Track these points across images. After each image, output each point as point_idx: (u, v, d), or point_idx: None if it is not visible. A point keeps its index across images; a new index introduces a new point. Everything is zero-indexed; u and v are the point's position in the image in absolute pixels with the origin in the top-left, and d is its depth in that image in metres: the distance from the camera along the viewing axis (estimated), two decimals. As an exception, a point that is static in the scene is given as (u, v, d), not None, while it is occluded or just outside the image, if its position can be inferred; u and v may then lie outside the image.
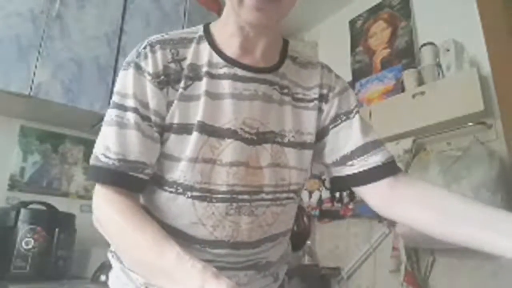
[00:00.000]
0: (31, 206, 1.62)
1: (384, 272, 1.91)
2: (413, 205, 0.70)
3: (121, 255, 0.68)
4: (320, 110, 0.76)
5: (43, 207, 1.70)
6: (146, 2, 2.07)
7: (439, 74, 1.87)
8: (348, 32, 2.55)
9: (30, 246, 1.50)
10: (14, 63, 1.59)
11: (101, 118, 1.86)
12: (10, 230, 1.50)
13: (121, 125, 0.64)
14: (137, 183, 0.65)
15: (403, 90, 2.00)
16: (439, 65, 1.88)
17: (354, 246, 2.11)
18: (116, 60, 1.90)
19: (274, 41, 0.74)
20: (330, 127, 0.76)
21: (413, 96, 1.87)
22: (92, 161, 0.65)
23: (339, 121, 0.76)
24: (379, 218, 1.99)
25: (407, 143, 1.85)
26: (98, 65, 1.83)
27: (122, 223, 0.60)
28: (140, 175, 0.65)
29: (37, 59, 1.65)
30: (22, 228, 1.51)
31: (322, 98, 0.76)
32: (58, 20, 1.74)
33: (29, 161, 1.91)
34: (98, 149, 0.65)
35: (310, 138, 0.74)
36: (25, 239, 1.49)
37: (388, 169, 0.73)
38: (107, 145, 0.64)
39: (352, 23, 2.55)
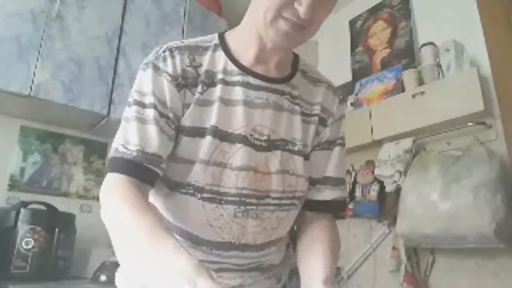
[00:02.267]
0: (31, 206, 1.61)
1: (384, 272, 1.91)
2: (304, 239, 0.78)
3: (118, 244, 0.62)
4: (317, 131, 0.79)
5: (43, 207, 1.70)
6: (146, 2, 2.06)
7: (439, 74, 1.87)
8: (348, 32, 2.55)
9: (30, 246, 1.50)
10: (14, 63, 1.59)
11: (101, 118, 1.87)
12: (10, 230, 1.50)
13: (141, 120, 0.66)
14: (151, 175, 0.66)
15: (403, 90, 2.00)
16: (439, 65, 1.87)
17: (354, 246, 2.11)
18: (116, 60, 1.90)
19: (287, 54, 0.77)
20: (316, 148, 0.80)
21: (413, 96, 1.87)
22: (111, 153, 0.67)
23: (324, 146, 0.80)
24: (379, 218, 1.99)
25: (407, 143, 1.85)
26: (98, 65, 1.83)
27: (127, 210, 0.59)
28: (156, 169, 0.66)
29: (37, 59, 1.65)
30: (22, 228, 1.50)
31: (322, 120, 0.79)
32: (58, 20, 1.74)
33: (29, 161, 1.91)
34: (117, 142, 0.66)
35: (308, 150, 0.78)
36: (25, 239, 1.49)
37: (329, 208, 0.80)
38: (127, 139, 0.65)
39: (352, 23, 2.55)
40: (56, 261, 1.56)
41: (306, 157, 0.76)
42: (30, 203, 1.63)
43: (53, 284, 1.49)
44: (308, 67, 0.82)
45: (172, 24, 2.13)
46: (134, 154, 0.64)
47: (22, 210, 1.54)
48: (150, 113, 0.66)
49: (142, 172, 0.64)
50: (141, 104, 0.67)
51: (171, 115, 0.67)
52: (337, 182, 0.81)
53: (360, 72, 2.37)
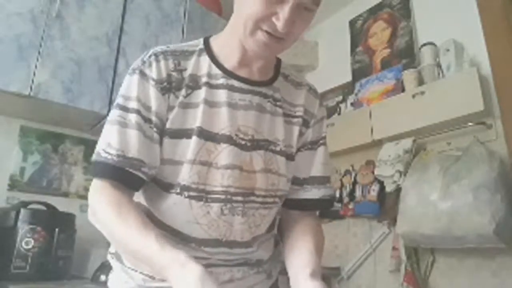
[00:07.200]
0: (31, 206, 1.61)
1: (384, 272, 1.91)
2: (290, 238, 0.80)
3: (114, 244, 0.72)
4: (300, 132, 0.82)
5: (43, 207, 1.69)
6: (146, 2, 2.06)
7: (439, 74, 1.87)
8: (348, 32, 2.55)
9: (30, 246, 1.50)
10: (14, 63, 1.58)
11: (101, 118, 1.86)
12: (10, 230, 1.50)
13: (123, 124, 0.68)
14: (133, 179, 0.68)
15: (403, 90, 2.00)
16: (439, 65, 1.88)
17: (354, 246, 2.11)
18: (116, 60, 1.89)
19: (269, 59, 0.80)
20: (301, 149, 0.83)
21: (413, 96, 1.87)
22: (93, 157, 0.69)
23: (308, 146, 0.83)
24: (379, 218, 1.99)
25: (407, 143, 1.85)
26: (98, 65, 1.83)
27: (111, 215, 0.65)
28: (138, 173, 0.68)
29: (37, 59, 1.65)
30: (22, 228, 1.50)
31: (305, 122, 0.82)
32: (58, 20, 1.74)
33: (29, 161, 1.91)
34: (99, 146, 0.69)
35: (293, 151, 0.80)
36: (25, 239, 1.49)
37: (316, 206, 0.83)
38: (108, 142, 0.68)
39: (352, 23, 2.55)
40: (56, 261, 1.56)
41: (289, 157, 0.79)
42: (30, 203, 1.63)
43: (53, 284, 1.49)
44: (290, 70, 0.86)
45: (172, 24, 2.13)
46: (115, 159, 0.66)
47: (22, 210, 1.54)
48: (133, 117, 0.68)
49: (124, 176, 0.67)
50: (124, 109, 0.69)
51: (155, 119, 0.69)
52: (323, 180, 0.84)
53: (360, 72, 2.37)
